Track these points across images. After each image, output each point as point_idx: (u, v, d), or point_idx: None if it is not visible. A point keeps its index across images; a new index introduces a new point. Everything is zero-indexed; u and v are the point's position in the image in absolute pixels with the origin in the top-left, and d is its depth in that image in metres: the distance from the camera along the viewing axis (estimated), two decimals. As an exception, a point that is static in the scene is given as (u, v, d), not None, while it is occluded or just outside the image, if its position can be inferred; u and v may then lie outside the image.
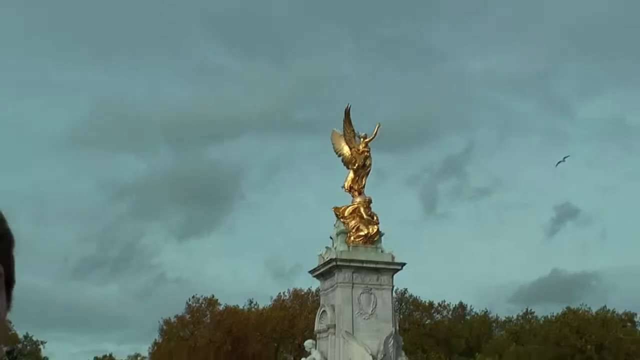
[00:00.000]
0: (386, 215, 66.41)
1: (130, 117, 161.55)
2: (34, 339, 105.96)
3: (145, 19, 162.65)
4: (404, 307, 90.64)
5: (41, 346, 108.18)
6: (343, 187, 64.84)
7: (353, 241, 62.85)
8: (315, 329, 65.26)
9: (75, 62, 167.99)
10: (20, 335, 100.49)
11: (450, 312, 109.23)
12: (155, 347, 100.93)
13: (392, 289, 65.33)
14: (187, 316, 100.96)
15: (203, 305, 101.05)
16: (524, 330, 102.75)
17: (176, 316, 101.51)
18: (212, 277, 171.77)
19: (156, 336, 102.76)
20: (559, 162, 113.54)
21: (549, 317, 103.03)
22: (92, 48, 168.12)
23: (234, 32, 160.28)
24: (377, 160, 66.88)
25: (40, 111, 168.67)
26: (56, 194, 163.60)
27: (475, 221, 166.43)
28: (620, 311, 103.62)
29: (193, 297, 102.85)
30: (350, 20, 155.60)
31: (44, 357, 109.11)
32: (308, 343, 64.20)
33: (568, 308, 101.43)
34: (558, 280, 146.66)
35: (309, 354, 63.25)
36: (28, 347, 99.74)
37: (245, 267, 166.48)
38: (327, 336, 62.59)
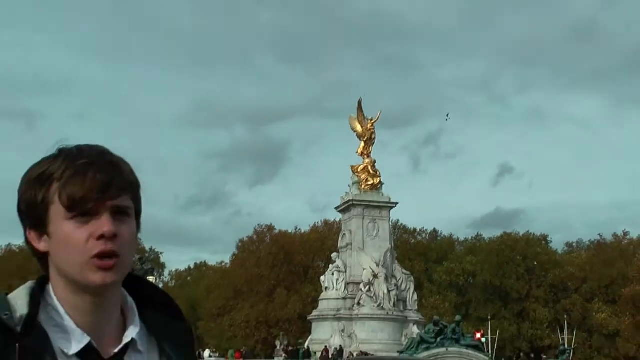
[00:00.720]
0: (385, 171, 70.82)
1: (218, 105, 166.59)
2: (156, 250, 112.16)
3: (224, 40, 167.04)
4: (397, 231, 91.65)
5: (160, 255, 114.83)
6: (357, 152, 69.98)
7: (363, 188, 68.31)
8: (338, 245, 70.12)
9: (179, 68, 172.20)
10: (147, 248, 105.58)
11: (428, 235, 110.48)
12: (234, 257, 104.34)
13: (389, 220, 70.60)
14: (254, 237, 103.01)
15: (265, 230, 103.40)
16: (475, 247, 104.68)
17: (248, 237, 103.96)
18: (271, 212, 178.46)
19: (234, 250, 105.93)
20: (447, 119, 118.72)
21: (493, 237, 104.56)
22: (189, 58, 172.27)
23: (285, 47, 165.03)
24: (379, 135, 71.04)
25: (157, 102, 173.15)
26: (170, 155, 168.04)
27: (445, 175, 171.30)
28: (538, 234, 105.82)
29: (258, 224, 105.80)
30: (361, 40, 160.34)
31: (162, 262, 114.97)
32: (334, 255, 69.42)
33: (505, 232, 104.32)
34: (499, 214, 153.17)
35: (334, 262, 68.12)
36: (152, 256, 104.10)
37: (293, 205, 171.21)
38: (346, 250, 67.96)
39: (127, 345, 1.87)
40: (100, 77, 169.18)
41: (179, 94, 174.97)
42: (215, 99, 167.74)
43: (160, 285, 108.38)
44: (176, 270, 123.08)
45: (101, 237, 1.77)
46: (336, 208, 73.39)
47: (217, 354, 62.85)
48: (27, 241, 1.87)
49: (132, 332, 1.88)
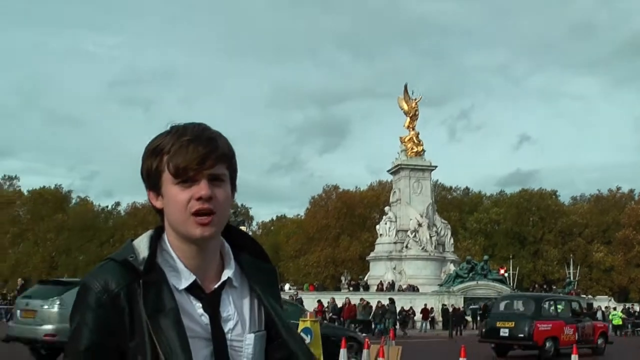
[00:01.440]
0: (427, 140, 71.09)
1: (293, 89, 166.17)
2: (246, 206, 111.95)
3: (298, 37, 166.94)
4: (436, 189, 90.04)
5: (249, 210, 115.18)
6: (404, 126, 69.61)
7: (409, 154, 68.11)
8: (390, 200, 70.23)
9: (263, 59, 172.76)
10: (239, 204, 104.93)
11: (461, 191, 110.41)
12: (307, 211, 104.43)
13: (430, 179, 70.28)
14: (323, 194, 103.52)
15: (331, 189, 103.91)
16: (499, 200, 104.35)
17: (318, 195, 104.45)
18: (336, 174, 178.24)
19: (307, 205, 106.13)
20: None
21: (513, 193, 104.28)
22: (271, 51, 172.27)
23: (346, 41, 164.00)
24: (423, 112, 71.46)
25: (245, 87, 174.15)
26: (258, 130, 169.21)
27: (475, 143, 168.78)
28: (549, 189, 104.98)
29: (326, 185, 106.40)
30: (406, 35, 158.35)
31: (251, 215, 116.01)
32: (386, 208, 69.33)
33: (523, 189, 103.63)
34: (519, 173, 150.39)
35: (387, 214, 68.36)
36: (243, 210, 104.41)
37: (353, 169, 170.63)
38: (396, 204, 67.98)
39: (224, 282, 1.96)
40: (201, 68, 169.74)
41: (263, 80, 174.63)
42: (291, 85, 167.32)
43: (250, 234, 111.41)
44: (262, 222, 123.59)
45: (199, 198, 1.86)
46: (388, 171, 73.41)
47: (295, 287, 63.18)
48: (148, 198, 1.98)
49: (228, 272, 1.98)
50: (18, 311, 18.83)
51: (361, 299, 44.65)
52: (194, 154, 1.86)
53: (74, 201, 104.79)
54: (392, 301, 41.10)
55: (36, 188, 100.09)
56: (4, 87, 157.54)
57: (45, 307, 17.38)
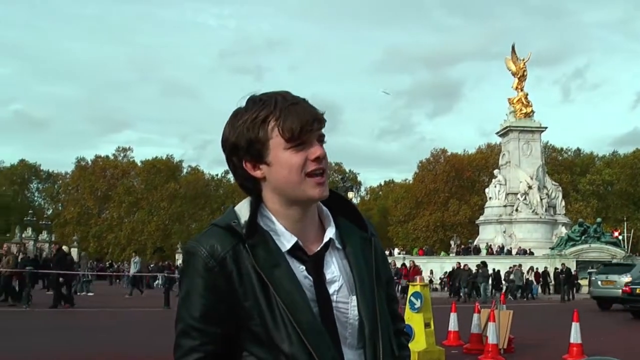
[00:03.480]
0: (539, 101, 70.25)
1: (404, 53, 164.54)
2: (354, 171, 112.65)
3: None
4: (547, 150, 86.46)
5: (357, 175, 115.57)
6: (512, 87, 68.51)
7: (518, 116, 66.82)
8: (499, 163, 69.08)
9: (373, 24, 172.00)
10: (347, 169, 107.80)
11: (572, 152, 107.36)
12: (416, 175, 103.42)
13: (540, 141, 68.48)
14: (431, 158, 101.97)
15: (439, 152, 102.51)
16: (612, 161, 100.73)
17: (426, 158, 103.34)
18: (446, 137, 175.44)
19: (415, 169, 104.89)
20: (385, 92, 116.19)
21: (627, 153, 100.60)
22: (381, 15, 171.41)
23: (457, 3, 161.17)
24: (536, 72, 70.65)
25: (355, 53, 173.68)
26: (367, 96, 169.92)
27: (589, 103, 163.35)
28: None
29: (434, 148, 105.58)
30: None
31: (359, 181, 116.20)
32: (495, 171, 68.55)
33: (637, 148, 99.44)
34: (636, 132, 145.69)
35: (496, 177, 67.51)
36: (351, 176, 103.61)
37: (462, 131, 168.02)
38: (506, 167, 67.09)
39: (327, 244, 1.96)
40: (310, 34, 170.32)
41: (373, 45, 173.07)
42: (401, 48, 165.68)
43: (358, 199, 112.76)
44: (370, 187, 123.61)
45: (316, 159, 1.89)
46: (497, 133, 72.43)
47: (404, 252, 63.18)
48: (239, 171, 1.97)
49: (329, 233, 1.97)
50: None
51: (457, 263, 44.11)
52: (306, 115, 1.88)
53: (185, 170, 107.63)
54: (484, 264, 40.50)
55: (149, 159, 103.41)
56: (122, 61, 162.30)
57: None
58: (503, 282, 43.76)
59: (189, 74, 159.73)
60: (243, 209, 1.93)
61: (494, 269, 42.27)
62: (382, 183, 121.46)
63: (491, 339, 13.11)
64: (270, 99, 1.91)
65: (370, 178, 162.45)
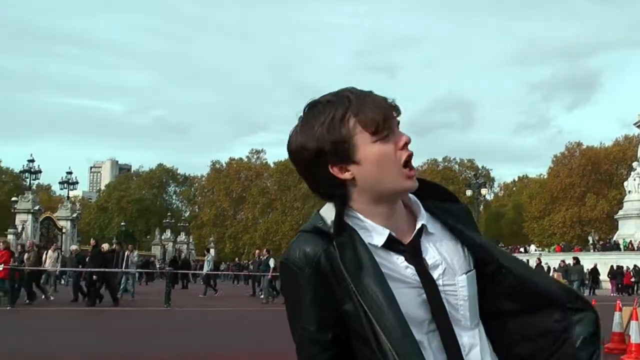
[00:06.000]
0: None
1: (541, 44, 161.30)
2: (486, 167, 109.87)
3: None
4: None
5: (490, 171, 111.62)
6: None
7: None
8: (638, 155, 66.65)
9: (509, 16, 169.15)
10: (479, 166, 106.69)
11: None
12: (550, 170, 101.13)
13: None
14: (566, 152, 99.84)
15: (574, 146, 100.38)
16: None
17: (560, 153, 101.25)
18: (583, 130, 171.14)
19: (550, 164, 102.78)
20: None
21: None
22: (518, 6, 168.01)
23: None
24: None
25: (489, 47, 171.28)
26: (503, 90, 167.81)
27: None
28: None
29: (569, 142, 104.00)
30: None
31: (492, 177, 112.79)
32: (635, 164, 66.24)
33: None
34: None
35: (635, 169, 65.40)
36: (483, 172, 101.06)
37: (601, 123, 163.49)
38: None
39: (420, 231, 1.91)
40: (443, 30, 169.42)
41: (506, 38, 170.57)
42: (539, 40, 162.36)
43: (491, 195, 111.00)
44: (504, 183, 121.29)
45: (405, 145, 1.85)
46: (635, 124, 70.21)
47: (541, 249, 61.98)
48: (319, 178, 1.92)
49: (421, 219, 1.93)
50: None
51: (574, 259, 42.35)
52: (383, 104, 1.85)
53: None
54: (577, 261, 39.07)
55: (281, 160, 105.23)
56: (258, 65, 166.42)
57: None
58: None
59: (323, 74, 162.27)
60: (328, 211, 1.91)
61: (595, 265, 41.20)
62: (516, 179, 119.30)
63: (634, 338, 12.67)
64: (340, 97, 1.87)
65: (504, 174, 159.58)
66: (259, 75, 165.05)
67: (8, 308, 22.33)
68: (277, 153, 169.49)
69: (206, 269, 35.34)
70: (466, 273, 1.91)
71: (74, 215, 64.65)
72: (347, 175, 1.87)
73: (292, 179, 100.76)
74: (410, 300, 1.80)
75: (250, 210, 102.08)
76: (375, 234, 1.86)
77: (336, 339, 1.82)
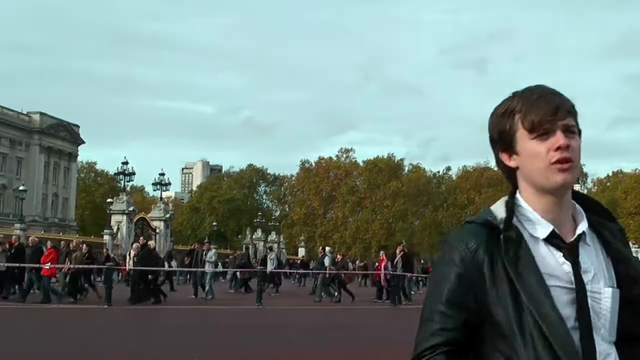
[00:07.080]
0: None
1: (630, 36, 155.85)
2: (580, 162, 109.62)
3: None
4: None
5: (582, 167, 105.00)
6: None
7: None
8: None
9: (604, 7, 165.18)
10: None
11: None
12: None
13: None
14: None
15: None
16: None
17: None
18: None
19: None
20: None
21: None
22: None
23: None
24: None
25: (581, 39, 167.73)
26: (596, 83, 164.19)
27: None
28: None
29: None
30: None
31: (585, 172, 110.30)
32: None
33: None
34: None
35: None
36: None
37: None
38: None
39: (579, 237, 2.01)
40: (534, 24, 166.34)
41: (605, 29, 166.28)
42: (634, 31, 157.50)
43: (585, 191, 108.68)
44: (597, 178, 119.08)
45: (558, 148, 1.95)
46: None
47: (637, 246, 60.23)
48: (499, 162, 2.12)
49: (582, 226, 2.02)
50: None
51: None
52: (546, 107, 1.96)
53: (406, 169, 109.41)
54: None
55: (370, 158, 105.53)
56: (346, 63, 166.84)
57: None
58: None
59: (411, 71, 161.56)
60: (499, 207, 2.05)
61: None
62: (610, 174, 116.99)
63: None
64: (518, 94, 2.03)
65: (598, 169, 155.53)
66: (348, 73, 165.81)
67: (105, 306, 22.50)
68: (366, 152, 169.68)
69: (270, 267, 35.11)
70: (612, 287, 1.98)
71: (167, 215, 66.03)
72: (512, 163, 2.05)
73: (382, 177, 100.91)
74: (559, 297, 1.93)
75: (340, 209, 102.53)
76: (540, 227, 2.00)
77: (466, 323, 1.94)
